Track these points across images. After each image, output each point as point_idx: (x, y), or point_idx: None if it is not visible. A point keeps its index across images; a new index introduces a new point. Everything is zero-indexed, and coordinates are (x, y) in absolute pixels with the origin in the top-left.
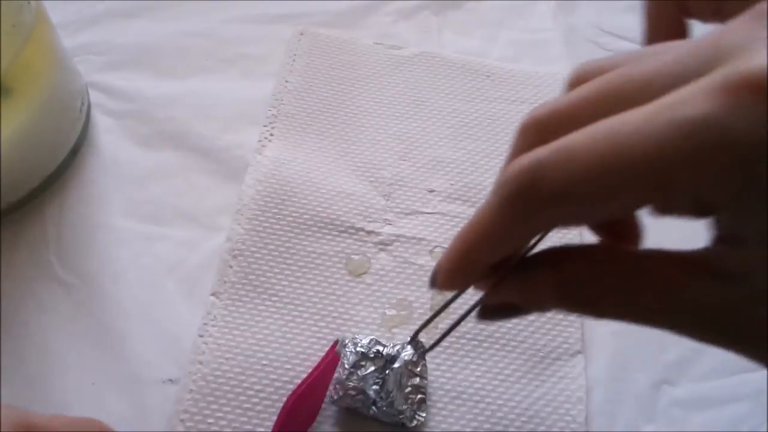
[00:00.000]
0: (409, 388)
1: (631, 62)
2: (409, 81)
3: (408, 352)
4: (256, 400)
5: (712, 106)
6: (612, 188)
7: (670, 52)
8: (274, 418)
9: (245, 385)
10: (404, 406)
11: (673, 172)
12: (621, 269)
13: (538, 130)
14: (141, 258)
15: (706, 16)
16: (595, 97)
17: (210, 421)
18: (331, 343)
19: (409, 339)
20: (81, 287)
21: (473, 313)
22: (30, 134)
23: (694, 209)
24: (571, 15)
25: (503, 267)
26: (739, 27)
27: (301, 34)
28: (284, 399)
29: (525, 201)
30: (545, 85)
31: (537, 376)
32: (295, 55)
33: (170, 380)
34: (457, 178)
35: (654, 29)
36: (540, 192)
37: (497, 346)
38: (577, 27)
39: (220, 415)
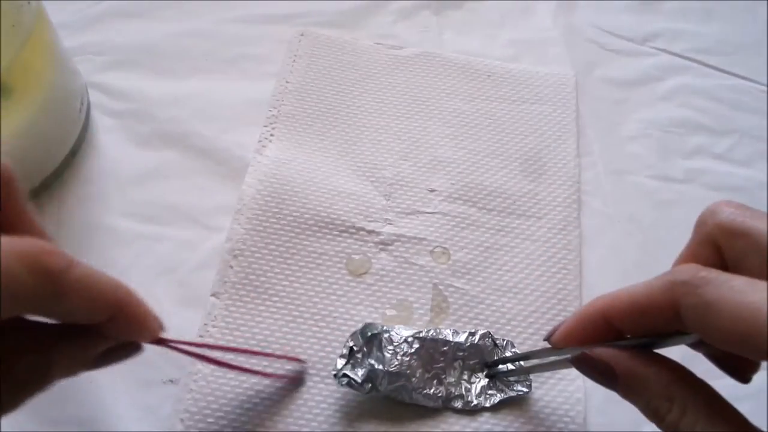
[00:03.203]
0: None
1: None
2: (409, 81)
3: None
4: (256, 400)
5: None
6: (733, 347)
7: None
8: (275, 418)
9: (245, 385)
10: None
11: None
12: None
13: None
14: (141, 258)
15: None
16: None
17: (210, 420)
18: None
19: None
20: None
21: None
22: (29, 134)
23: None
24: (571, 15)
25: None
26: None
27: (302, 34)
28: (284, 399)
29: (673, 303)
30: (545, 85)
31: (536, 377)
32: (295, 55)
33: (170, 380)
34: (458, 178)
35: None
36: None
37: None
38: (577, 27)
39: (221, 415)
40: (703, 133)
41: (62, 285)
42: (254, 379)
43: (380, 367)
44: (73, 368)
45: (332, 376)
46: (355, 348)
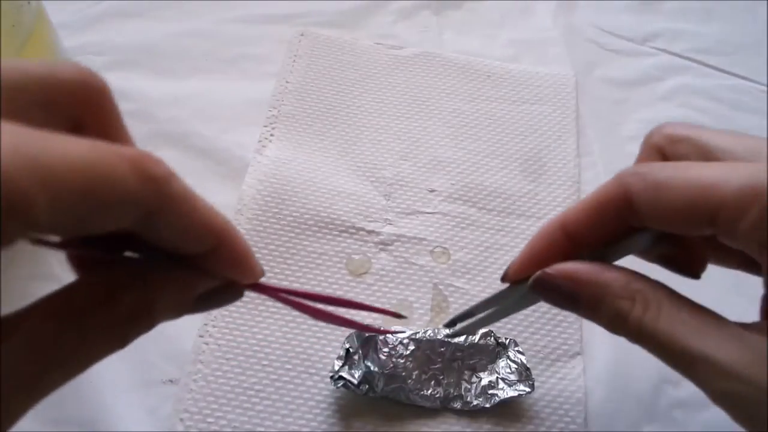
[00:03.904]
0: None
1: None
2: (409, 81)
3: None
4: (256, 400)
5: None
6: (682, 221)
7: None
8: (275, 417)
9: (245, 385)
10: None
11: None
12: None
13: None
14: None
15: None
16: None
17: (210, 420)
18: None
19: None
20: None
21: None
22: None
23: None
24: (571, 15)
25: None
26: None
27: (302, 34)
28: (284, 399)
29: (626, 193)
30: (545, 85)
31: (536, 377)
32: (295, 55)
33: (170, 380)
34: (458, 178)
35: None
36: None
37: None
38: (577, 27)
39: (220, 414)
40: None
41: (166, 195)
42: (254, 379)
43: (376, 369)
44: (174, 309)
45: (329, 378)
46: (351, 350)
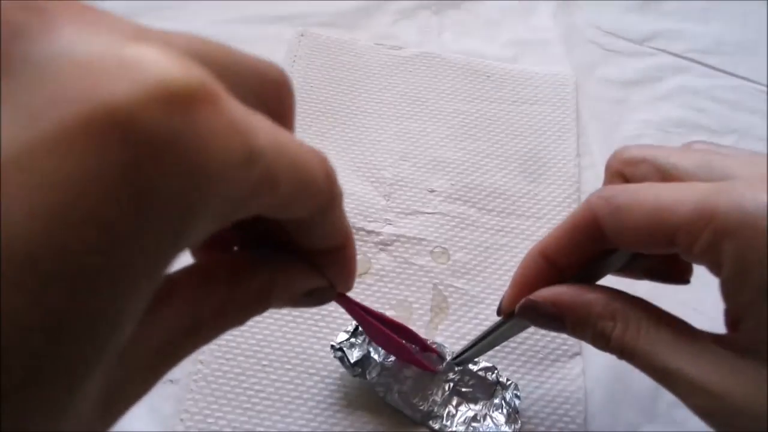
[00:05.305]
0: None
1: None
2: (409, 81)
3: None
4: (256, 400)
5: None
6: (645, 243)
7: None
8: (275, 417)
9: (245, 385)
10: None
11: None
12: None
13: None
14: None
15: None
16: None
17: (210, 421)
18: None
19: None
20: None
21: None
22: None
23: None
24: (571, 15)
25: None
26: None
27: (302, 35)
28: (284, 399)
29: (594, 218)
30: (545, 85)
31: (536, 377)
32: (295, 56)
33: (170, 380)
34: (458, 179)
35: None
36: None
37: (497, 348)
38: (577, 27)
39: (220, 414)
40: (702, 133)
41: (337, 193)
42: (254, 379)
43: (375, 356)
44: (286, 299)
45: (330, 347)
46: (359, 328)
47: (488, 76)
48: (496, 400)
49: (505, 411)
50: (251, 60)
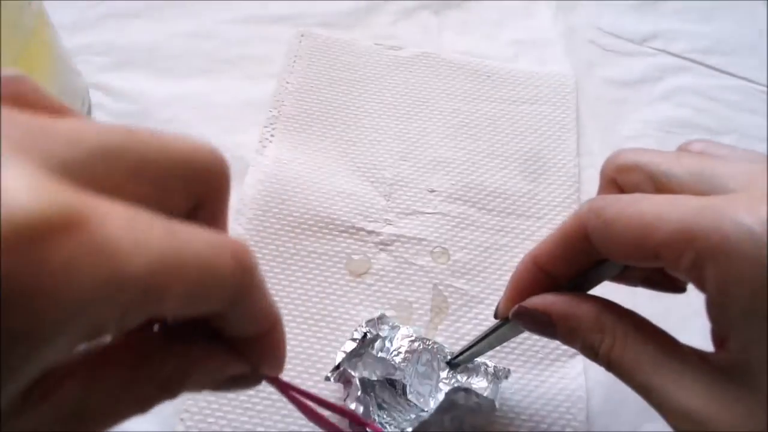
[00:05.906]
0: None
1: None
2: (409, 81)
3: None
4: (256, 400)
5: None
6: (633, 257)
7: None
8: (275, 417)
9: None
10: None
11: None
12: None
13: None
14: None
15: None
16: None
17: (210, 420)
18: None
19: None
20: None
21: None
22: None
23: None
24: (571, 15)
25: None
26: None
27: (302, 35)
28: (284, 399)
29: (584, 231)
30: (545, 86)
31: (536, 376)
32: (295, 56)
33: None
34: (458, 179)
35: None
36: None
37: (497, 347)
38: (577, 27)
39: (220, 414)
40: (702, 133)
41: (253, 285)
42: None
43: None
44: (202, 385)
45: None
46: (368, 334)
47: (488, 76)
48: (480, 375)
49: (488, 377)
50: (181, 147)
